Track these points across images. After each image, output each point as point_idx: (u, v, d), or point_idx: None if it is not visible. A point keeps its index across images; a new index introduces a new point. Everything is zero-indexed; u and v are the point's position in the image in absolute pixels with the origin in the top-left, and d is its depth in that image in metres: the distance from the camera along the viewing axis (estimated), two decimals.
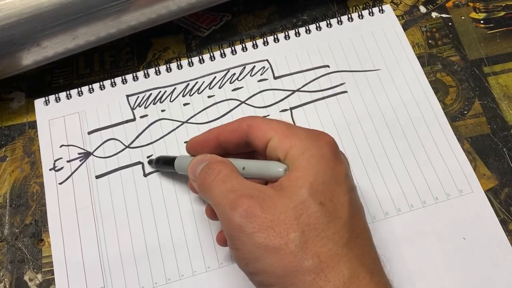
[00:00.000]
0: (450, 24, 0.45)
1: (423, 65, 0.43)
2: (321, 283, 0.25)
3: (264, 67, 0.43)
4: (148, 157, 0.40)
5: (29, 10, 0.37)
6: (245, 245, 0.27)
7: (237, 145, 0.33)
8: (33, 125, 0.43)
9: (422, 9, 0.46)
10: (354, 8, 0.46)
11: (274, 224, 0.26)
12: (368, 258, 0.27)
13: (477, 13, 0.46)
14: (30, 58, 0.40)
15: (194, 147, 0.35)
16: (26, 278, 0.37)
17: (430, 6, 0.46)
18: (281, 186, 0.28)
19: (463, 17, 0.46)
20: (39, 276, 0.37)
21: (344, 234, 0.27)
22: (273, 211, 0.27)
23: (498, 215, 0.37)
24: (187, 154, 0.36)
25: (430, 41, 0.45)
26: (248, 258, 0.27)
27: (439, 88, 0.42)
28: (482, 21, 0.45)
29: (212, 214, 0.33)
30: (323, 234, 0.26)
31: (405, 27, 0.45)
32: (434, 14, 0.46)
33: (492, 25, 0.45)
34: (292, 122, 0.41)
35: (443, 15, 0.46)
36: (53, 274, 0.37)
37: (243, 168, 0.31)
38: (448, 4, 0.46)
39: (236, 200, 0.27)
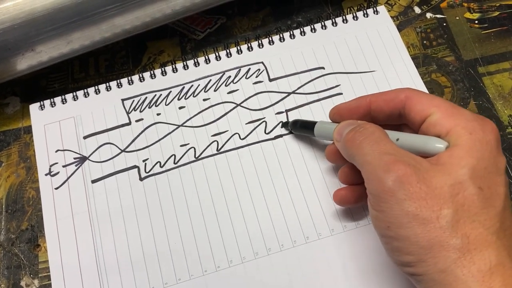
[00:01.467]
0: (444, 24, 0.45)
1: (418, 65, 0.43)
2: (465, 263, 0.25)
3: (259, 70, 0.43)
4: (284, 122, 0.40)
5: (22, 15, 0.37)
6: (392, 210, 0.27)
7: (389, 115, 0.32)
8: (28, 130, 0.43)
9: (417, 10, 0.46)
10: (348, 9, 0.46)
11: (428, 196, 0.26)
12: None
13: (472, 13, 0.46)
14: (25, 63, 0.40)
15: (341, 112, 0.35)
16: (22, 283, 0.37)
17: (425, 6, 0.47)
18: (440, 161, 0.27)
19: (457, 18, 0.46)
20: (36, 281, 0.37)
21: (496, 223, 0.26)
22: (429, 183, 0.26)
23: None
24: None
25: (425, 42, 0.45)
26: (392, 222, 0.27)
27: (434, 88, 0.42)
28: (476, 21, 0.45)
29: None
30: (475, 218, 0.26)
31: (399, 28, 0.45)
32: (428, 15, 0.46)
33: (486, 25, 0.45)
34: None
35: (438, 16, 0.46)
36: (50, 279, 0.37)
37: (397, 140, 0.30)
38: (443, 5, 0.46)
39: (392, 163, 0.27)
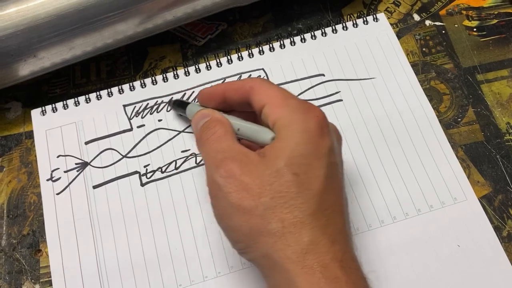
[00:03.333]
0: (443, 32, 0.46)
1: (417, 73, 0.44)
2: (281, 246, 0.27)
3: (260, 76, 0.43)
4: (168, 101, 0.42)
5: (25, 21, 0.38)
6: (220, 203, 0.29)
7: (240, 103, 0.34)
8: (30, 135, 0.43)
9: (416, 17, 0.47)
10: (348, 16, 0.46)
11: (249, 187, 0.28)
12: (334, 229, 0.28)
13: (470, 21, 0.46)
14: (27, 69, 0.40)
15: (203, 98, 0.37)
16: None
17: (424, 14, 0.47)
18: (264, 153, 0.30)
19: (456, 25, 0.46)
20: (37, 286, 0.38)
21: (312, 205, 0.28)
22: (251, 175, 0.29)
23: (492, 222, 0.37)
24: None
25: (424, 49, 0.45)
26: (222, 214, 0.30)
27: (433, 95, 0.43)
28: (475, 29, 0.46)
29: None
30: (291, 202, 0.28)
31: (399, 35, 0.46)
32: (427, 22, 0.47)
33: (485, 32, 0.45)
34: None
35: (437, 23, 0.46)
36: (51, 284, 0.37)
37: (238, 129, 0.33)
38: (442, 12, 0.47)
39: (221, 160, 0.30)
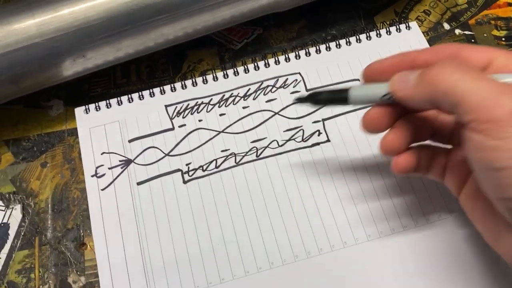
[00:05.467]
0: (472, 40, 0.47)
1: None
2: None
3: (296, 80, 0.45)
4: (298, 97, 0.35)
5: (77, 23, 0.39)
6: None
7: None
8: (72, 132, 0.45)
9: (446, 26, 0.48)
10: (381, 24, 0.48)
11: None
12: None
13: (499, 30, 0.48)
14: (73, 69, 0.42)
15: (381, 70, 0.32)
16: (70, 280, 0.39)
17: (454, 23, 0.49)
18: None
19: (485, 34, 0.48)
20: (83, 278, 0.39)
21: None
22: None
23: None
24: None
25: None
26: None
27: None
28: (503, 39, 0.47)
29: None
30: None
31: (429, 43, 0.47)
32: (457, 31, 0.48)
33: None
34: (325, 134, 0.42)
35: (466, 32, 0.48)
36: (95, 277, 0.38)
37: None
38: (471, 22, 0.48)
39: (507, 88, 0.25)
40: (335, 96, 0.33)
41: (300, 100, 0.35)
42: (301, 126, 0.43)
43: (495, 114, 0.25)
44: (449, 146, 0.34)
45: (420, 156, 0.33)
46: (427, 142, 0.34)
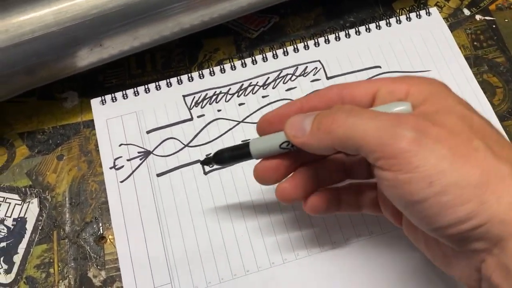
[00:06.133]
0: (494, 26, 0.47)
1: (469, 66, 0.44)
2: None
3: (316, 68, 0.44)
4: (204, 158, 0.35)
5: (94, 11, 0.38)
6: (428, 160, 0.24)
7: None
8: (87, 124, 0.44)
9: (466, 12, 0.48)
10: (400, 10, 0.47)
11: (452, 135, 0.24)
12: None
13: None
14: (88, 59, 0.41)
15: (271, 121, 0.31)
16: (90, 274, 0.38)
17: (474, 9, 0.48)
18: (427, 111, 0.26)
19: (506, 20, 0.47)
20: (103, 273, 0.38)
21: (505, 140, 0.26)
22: (443, 125, 0.25)
23: None
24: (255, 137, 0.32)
25: (475, 43, 0.46)
26: (433, 174, 0.23)
27: (486, 89, 0.43)
28: None
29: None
30: (498, 139, 0.25)
31: (450, 29, 0.46)
32: (478, 17, 0.47)
33: None
34: None
35: (487, 18, 0.47)
36: (116, 270, 0.38)
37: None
38: (491, 7, 0.48)
39: (399, 118, 0.25)
40: (238, 153, 0.32)
41: (204, 162, 0.34)
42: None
43: (398, 147, 0.24)
44: (374, 180, 0.32)
45: (329, 197, 0.32)
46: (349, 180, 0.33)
